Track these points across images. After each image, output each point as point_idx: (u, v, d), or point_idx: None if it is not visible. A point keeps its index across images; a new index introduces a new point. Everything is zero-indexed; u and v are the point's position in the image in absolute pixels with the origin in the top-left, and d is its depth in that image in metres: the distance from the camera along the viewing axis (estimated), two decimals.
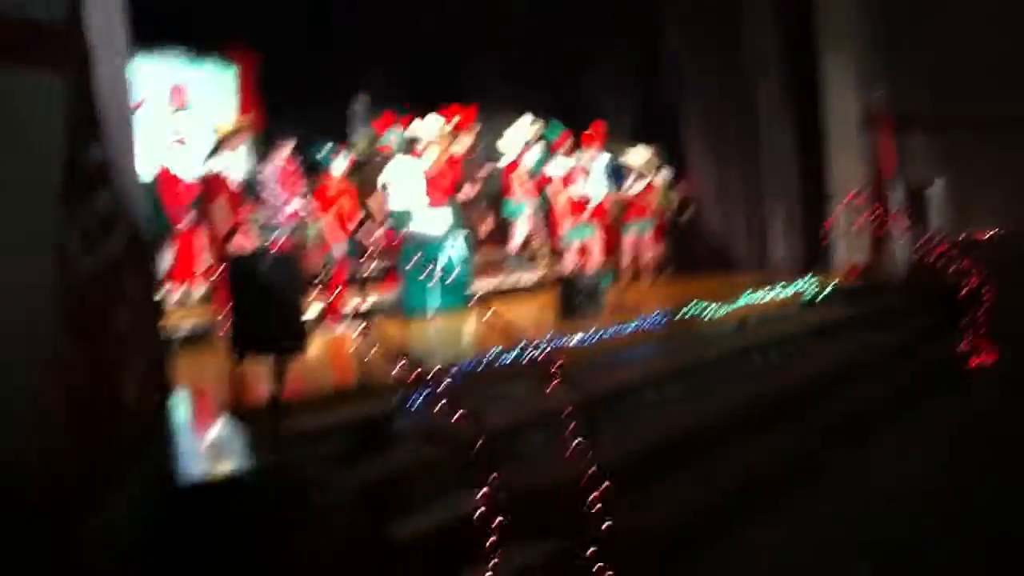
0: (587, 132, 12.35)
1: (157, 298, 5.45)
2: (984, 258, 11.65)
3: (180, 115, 9.83)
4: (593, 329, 8.61)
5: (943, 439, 8.26)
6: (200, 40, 11.32)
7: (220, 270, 5.45)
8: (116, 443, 4.44)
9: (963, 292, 11.35)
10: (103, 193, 4.47)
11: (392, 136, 10.82)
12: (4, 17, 4.11)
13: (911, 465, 7.52)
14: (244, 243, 7.92)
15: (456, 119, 11.74)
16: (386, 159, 10.46)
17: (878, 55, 12.96)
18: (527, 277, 12.01)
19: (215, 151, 8.84)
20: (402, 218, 9.85)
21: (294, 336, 5.09)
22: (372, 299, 9.60)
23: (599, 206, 11.70)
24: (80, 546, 3.99)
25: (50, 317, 4.18)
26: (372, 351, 6.14)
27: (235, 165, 9.07)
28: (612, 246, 12.32)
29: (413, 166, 10.18)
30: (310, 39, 12.09)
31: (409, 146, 10.45)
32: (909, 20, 12.97)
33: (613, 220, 12.27)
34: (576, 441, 5.79)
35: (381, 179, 10.12)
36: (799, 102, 13.25)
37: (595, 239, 11.69)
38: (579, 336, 8.32)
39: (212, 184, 8.75)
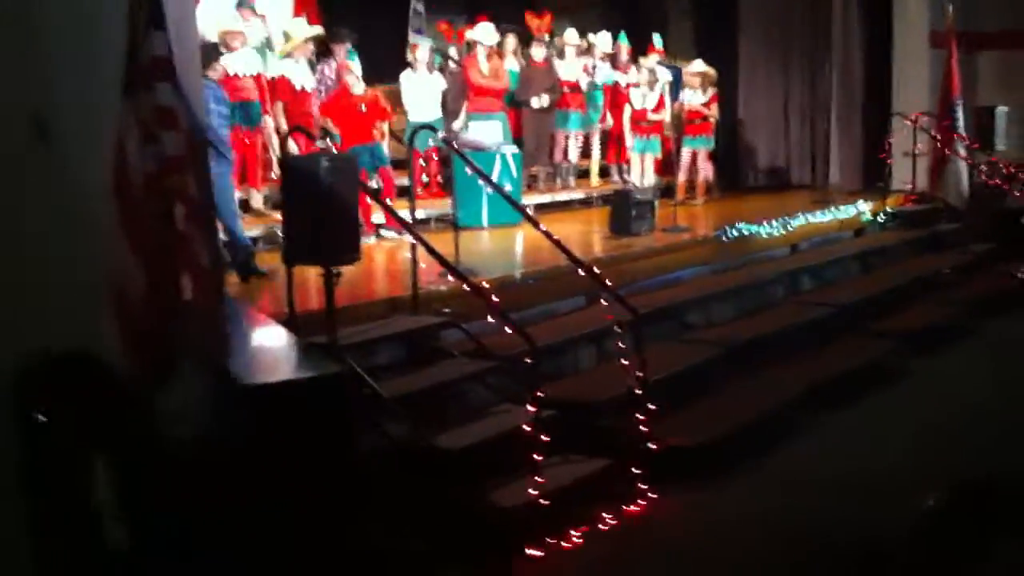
0: (650, 45, 12.10)
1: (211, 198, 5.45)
2: None
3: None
4: (644, 246, 8.56)
5: (996, 360, 8.15)
6: None
7: (279, 173, 5.41)
8: (174, 336, 4.50)
9: None
10: (164, 86, 4.43)
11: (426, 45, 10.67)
12: None
13: (962, 384, 7.48)
14: (304, 147, 7.92)
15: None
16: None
17: None
18: (579, 192, 11.89)
19: (285, 55, 8.84)
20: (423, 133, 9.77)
21: (348, 244, 5.08)
22: (422, 210, 9.57)
23: (659, 120, 11.48)
24: (156, 422, 4.12)
25: (108, 211, 4.21)
26: (422, 263, 6.13)
27: (300, 69, 9.04)
28: (668, 161, 12.15)
29: (429, 80, 10.11)
30: None
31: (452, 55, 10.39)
32: None
33: (672, 134, 12.06)
34: (624, 358, 5.78)
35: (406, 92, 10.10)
36: (870, 19, 12.84)
37: (656, 154, 11.53)
38: (630, 253, 8.29)
39: (277, 86, 8.74)
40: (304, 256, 5.17)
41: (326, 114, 9.01)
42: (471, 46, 10.53)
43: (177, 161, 4.79)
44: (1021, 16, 12.49)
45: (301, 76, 8.99)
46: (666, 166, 12.17)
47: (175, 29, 4.53)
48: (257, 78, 8.70)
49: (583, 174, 12.24)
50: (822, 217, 10.80)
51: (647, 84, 11.36)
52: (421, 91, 10.30)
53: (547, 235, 6.21)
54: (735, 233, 9.41)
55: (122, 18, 4.46)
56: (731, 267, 9.11)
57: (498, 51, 10.74)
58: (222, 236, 6.70)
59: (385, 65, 10.72)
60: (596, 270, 6.20)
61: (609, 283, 6.04)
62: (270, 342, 5.17)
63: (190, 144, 4.89)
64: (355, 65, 9.34)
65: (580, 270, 6.11)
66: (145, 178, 4.62)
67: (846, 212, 11.21)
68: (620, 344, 5.81)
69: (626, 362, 5.76)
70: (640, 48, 12.25)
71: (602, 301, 6.20)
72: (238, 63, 8.51)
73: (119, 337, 4.25)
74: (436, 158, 10.62)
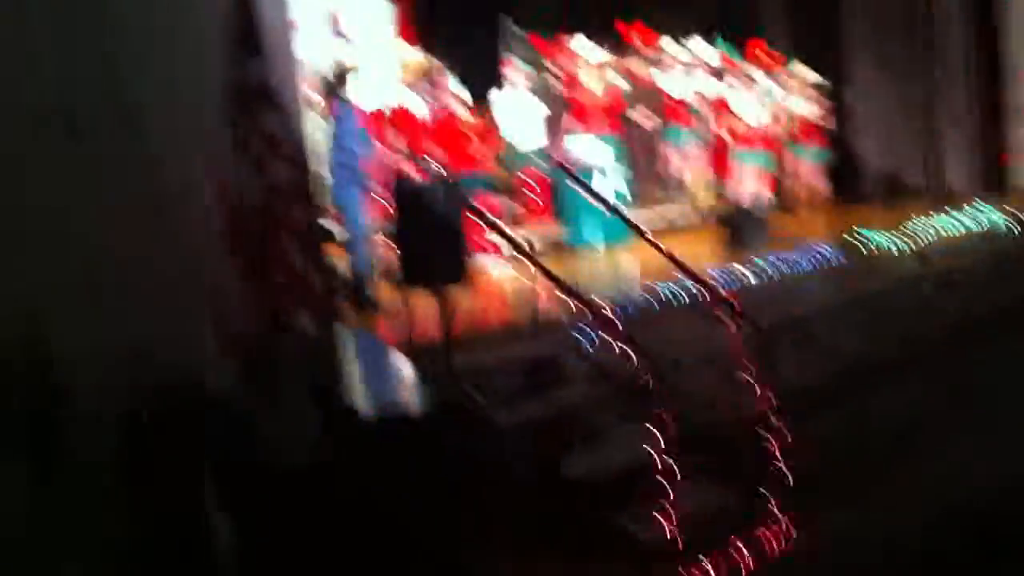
0: (753, 51, 11.79)
1: (322, 226, 5.43)
2: None
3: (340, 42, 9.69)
4: (762, 260, 8.29)
5: None
6: None
7: (389, 198, 5.37)
8: (283, 362, 4.46)
9: None
10: (267, 112, 4.40)
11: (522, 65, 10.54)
12: None
13: None
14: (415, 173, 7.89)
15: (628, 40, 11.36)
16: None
17: None
18: (688, 208, 11.64)
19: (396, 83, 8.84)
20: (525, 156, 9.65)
21: (460, 269, 4.99)
22: (530, 233, 9.47)
23: (766, 130, 11.18)
24: (263, 443, 4.12)
25: (215, 244, 4.19)
26: (537, 287, 6.00)
27: (412, 96, 9.02)
28: (778, 172, 11.84)
29: (526, 100, 10.04)
30: None
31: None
32: None
33: (780, 144, 11.74)
34: (750, 377, 5.55)
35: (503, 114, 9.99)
36: (980, 10, 12.33)
37: (765, 166, 11.21)
38: (747, 268, 8.03)
39: (392, 115, 8.73)
40: (417, 282, 5.10)
41: (433, 140, 8.97)
42: (572, 62, 10.36)
43: (284, 187, 4.78)
44: None
45: (413, 103, 8.98)
46: (776, 178, 11.88)
47: (276, 49, 4.51)
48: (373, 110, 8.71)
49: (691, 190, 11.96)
50: (944, 222, 10.36)
51: (753, 94, 11.09)
52: (519, 112, 10.21)
53: (664, 252, 6.03)
54: (855, 242, 9.08)
55: (223, 38, 4.44)
56: (853, 277, 8.75)
57: (600, 65, 10.59)
58: (342, 263, 6.71)
59: (482, 87, 10.62)
60: (715, 286, 6.00)
61: (730, 298, 5.84)
62: (387, 370, 5.11)
63: (296, 170, 4.89)
64: (458, 89, 9.31)
65: (699, 285, 5.91)
66: (252, 204, 4.61)
67: (968, 216, 10.73)
68: (745, 361, 5.58)
69: (751, 380, 5.53)
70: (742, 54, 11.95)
71: (724, 317, 5.98)
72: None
73: (223, 357, 4.24)
74: (539, 179, 10.50)
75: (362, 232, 6.98)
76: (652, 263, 6.50)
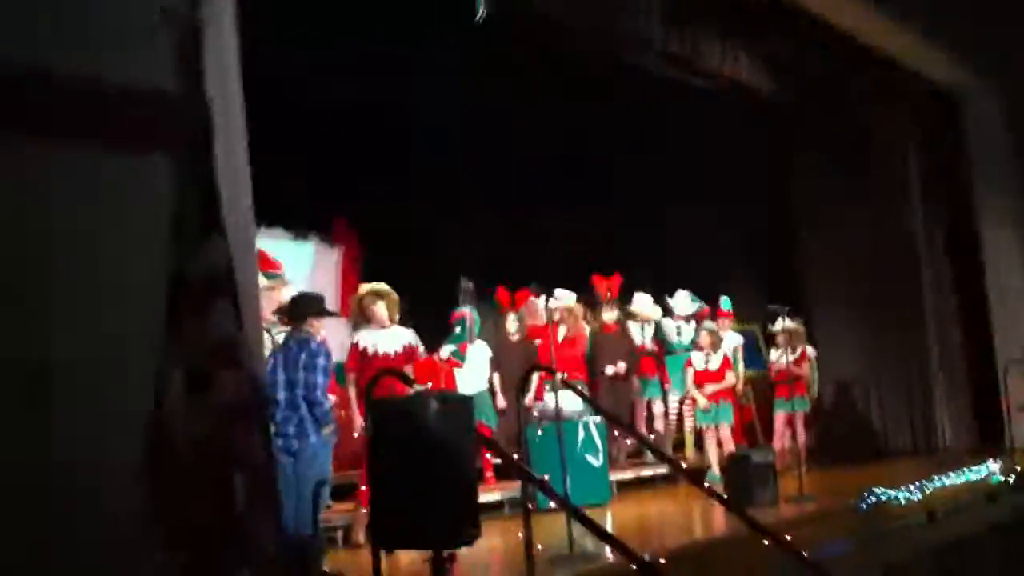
0: (720, 308, 11.10)
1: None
2: None
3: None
4: (778, 519, 7.17)
5: None
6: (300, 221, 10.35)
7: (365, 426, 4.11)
8: None
9: None
10: (220, 309, 3.31)
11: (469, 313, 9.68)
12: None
13: None
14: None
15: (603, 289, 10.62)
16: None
17: None
18: (664, 465, 10.48)
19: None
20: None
21: (466, 516, 3.69)
22: (490, 494, 8.25)
23: (734, 386, 10.23)
24: None
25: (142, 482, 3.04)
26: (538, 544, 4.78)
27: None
28: (762, 428, 10.88)
29: (475, 351, 9.48)
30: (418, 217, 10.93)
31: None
32: None
33: (759, 399, 10.85)
34: None
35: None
36: (961, 267, 11.99)
37: (728, 424, 10.12)
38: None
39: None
40: (403, 536, 3.78)
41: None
42: (547, 312, 9.46)
43: (237, 413, 3.61)
44: None
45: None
46: (747, 434, 10.97)
47: (233, 231, 3.45)
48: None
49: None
50: (954, 480, 9.41)
51: (710, 346, 10.15)
52: (469, 363, 9.36)
53: (721, 499, 4.92)
54: (872, 500, 8.03)
55: (168, 220, 3.43)
56: (874, 540, 7.65)
57: (571, 315, 9.89)
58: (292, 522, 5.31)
59: (434, 336, 9.65)
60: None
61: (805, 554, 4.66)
62: None
63: (252, 391, 3.71)
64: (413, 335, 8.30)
65: (766, 539, 4.75)
66: (196, 435, 3.43)
67: (968, 477, 9.80)
68: None
69: None
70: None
71: None
72: None
73: None
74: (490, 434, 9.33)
75: (323, 484, 5.67)
76: (648, 521, 5.25)
